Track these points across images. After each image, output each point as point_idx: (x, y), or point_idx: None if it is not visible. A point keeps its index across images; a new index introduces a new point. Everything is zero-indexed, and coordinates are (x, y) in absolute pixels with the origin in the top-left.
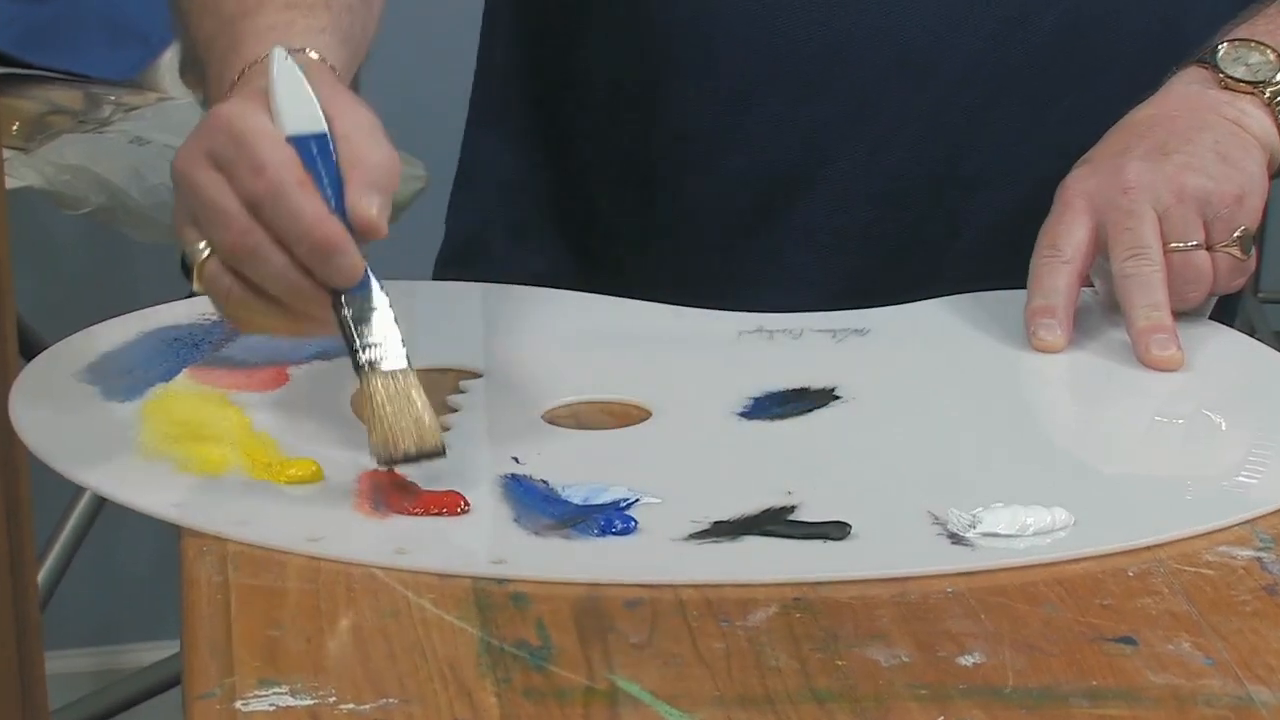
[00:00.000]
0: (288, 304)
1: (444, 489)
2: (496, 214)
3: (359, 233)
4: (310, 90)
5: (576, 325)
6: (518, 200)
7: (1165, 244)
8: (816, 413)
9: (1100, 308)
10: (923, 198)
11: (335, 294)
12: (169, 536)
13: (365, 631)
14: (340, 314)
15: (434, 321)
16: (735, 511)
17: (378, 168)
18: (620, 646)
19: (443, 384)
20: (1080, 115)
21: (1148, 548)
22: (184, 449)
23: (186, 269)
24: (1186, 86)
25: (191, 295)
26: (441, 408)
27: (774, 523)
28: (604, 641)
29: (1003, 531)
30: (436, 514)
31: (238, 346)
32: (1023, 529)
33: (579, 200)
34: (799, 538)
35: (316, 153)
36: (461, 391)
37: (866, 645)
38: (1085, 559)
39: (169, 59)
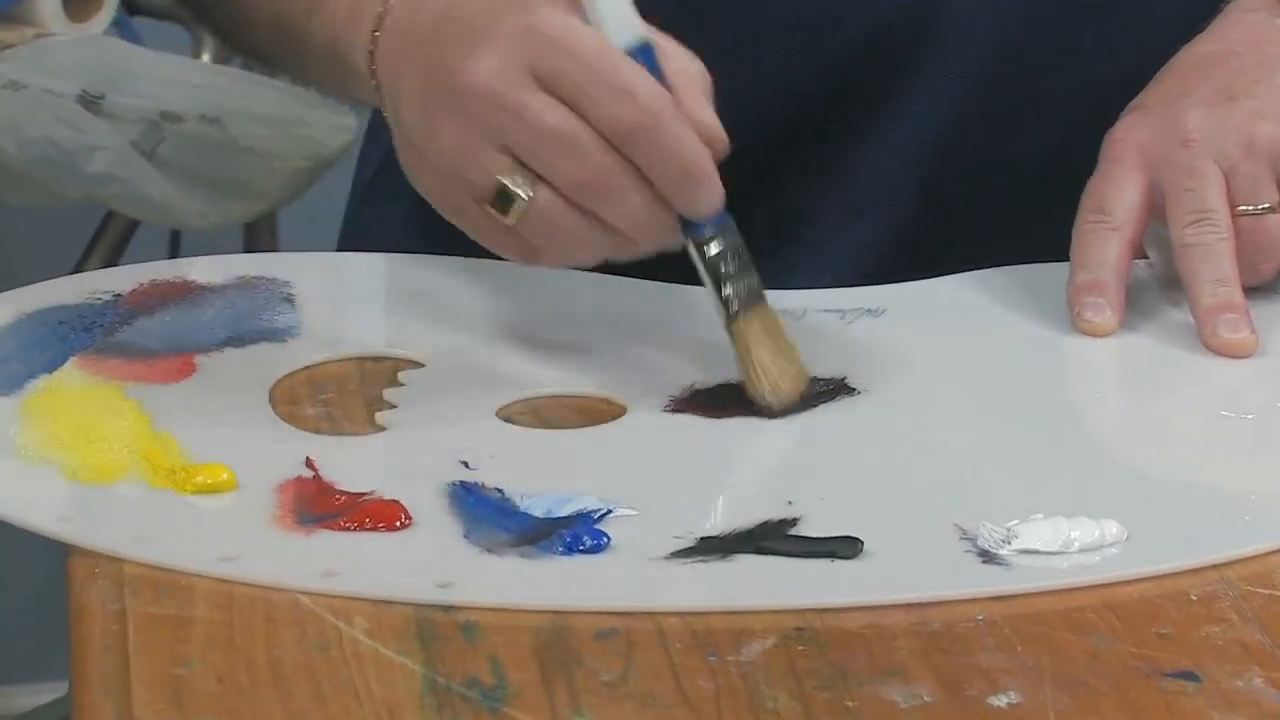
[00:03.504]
0: (635, 239)
1: (381, 498)
2: None
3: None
4: None
5: (537, 304)
6: None
7: (1232, 207)
8: (822, 408)
9: (1157, 283)
10: (945, 147)
11: (687, 225)
12: (55, 556)
13: (288, 668)
14: (696, 249)
15: (367, 301)
16: (726, 525)
17: (703, 76)
18: (589, 685)
19: (378, 375)
20: (1110, 43)
21: (1213, 566)
22: (72, 452)
23: (498, 197)
24: (1250, 15)
25: (78, 270)
26: (377, 403)
27: (772, 538)
28: (570, 679)
29: (1043, 548)
30: (372, 529)
31: (135, 331)
32: (1066, 545)
33: None
34: (801, 556)
35: (646, 65)
36: (400, 384)
37: (881, 683)
38: (1140, 580)
39: None
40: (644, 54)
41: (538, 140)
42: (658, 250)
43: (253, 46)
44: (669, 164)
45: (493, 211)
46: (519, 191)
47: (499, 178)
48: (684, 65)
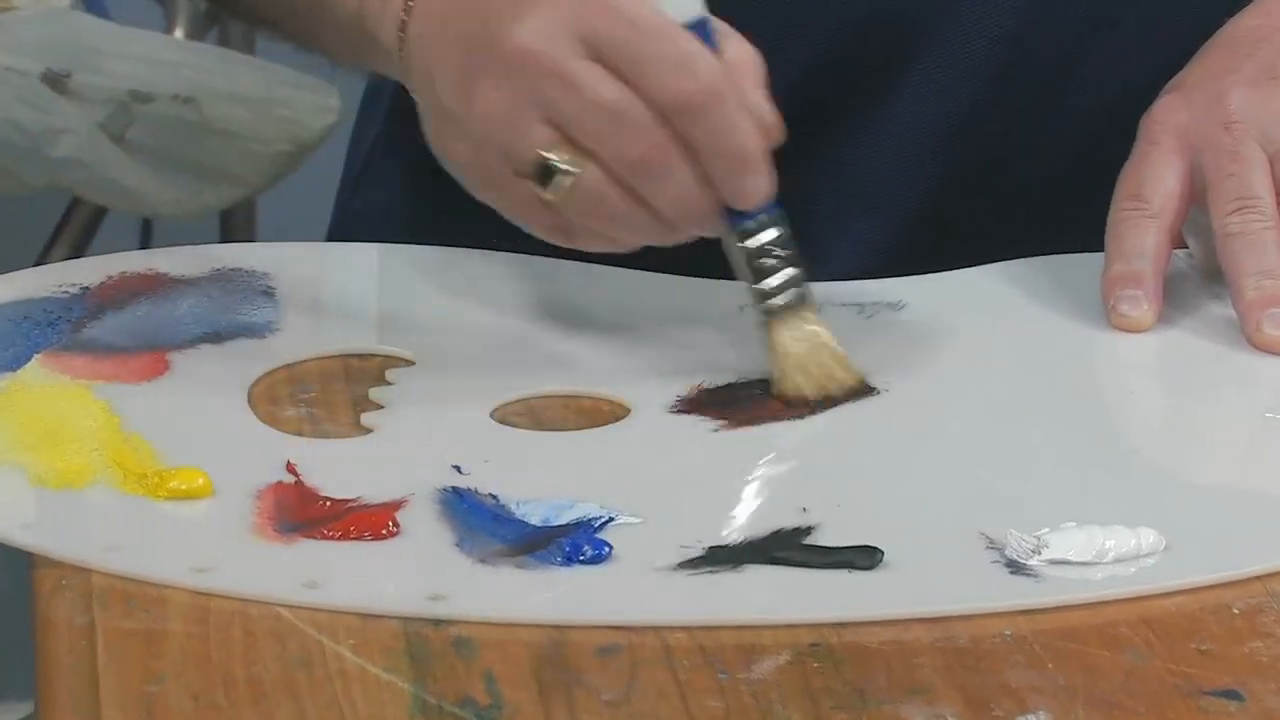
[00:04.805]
0: (676, 223)
1: (367, 505)
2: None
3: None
4: None
5: (535, 298)
6: None
7: (1278, 193)
8: (839, 408)
9: (1197, 274)
10: (956, 136)
11: (732, 213)
12: (19, 567)
13: (268, 686)
14: (734, 241)
15: (352, 294)
16: (736, 534)
17: (757, 62)
18: (590, 705)
19: (364, 373)
20: (1147, 23)
21: (1257, 578)
22: (37, 456)
23: (540, 171)
24: None
25: (42, 261)
26: (363, 403)
27: (785, 548)
28: (569, 698)
29: (1075, 558)
30: (357, 537)
31: (104, 326)
32: (1100, 555)
33: None
34: (817, 567)
35: (704, 43)
36: (388, 383)
37: (902, 702)
38: (1179, 592)
39: None
40: (702, 31)
41: (588, 112)
42: (692, 238)
43: (252, 7)
44: (724, 145)
45: (534, 186)
46: (564, 166)
47: (542, 151)
48: (740, 49)
